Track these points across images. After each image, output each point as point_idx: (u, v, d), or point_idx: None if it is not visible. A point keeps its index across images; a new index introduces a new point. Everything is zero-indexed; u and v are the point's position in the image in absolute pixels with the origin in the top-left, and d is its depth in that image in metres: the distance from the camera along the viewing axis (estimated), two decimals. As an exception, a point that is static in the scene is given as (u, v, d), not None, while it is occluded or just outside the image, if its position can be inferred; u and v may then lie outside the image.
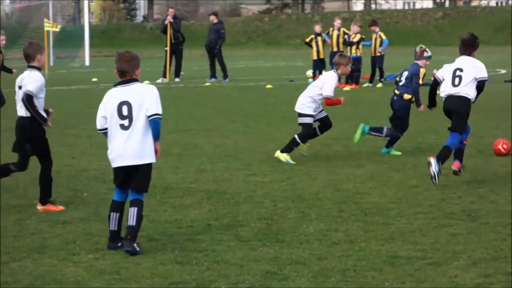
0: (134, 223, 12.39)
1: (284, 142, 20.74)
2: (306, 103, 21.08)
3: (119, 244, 12.51)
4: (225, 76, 46.96)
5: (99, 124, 12.75)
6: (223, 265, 11.45)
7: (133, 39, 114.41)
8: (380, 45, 42.29)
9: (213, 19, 50.22)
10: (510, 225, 13.37)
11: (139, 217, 12.44)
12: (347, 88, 40.13)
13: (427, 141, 22.55)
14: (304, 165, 19.40)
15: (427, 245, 12.29)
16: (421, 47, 21.79)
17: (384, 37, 42.95)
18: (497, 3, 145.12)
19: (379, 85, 41.77)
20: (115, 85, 12.91)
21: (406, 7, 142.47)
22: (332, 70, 21.42)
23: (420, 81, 21.19)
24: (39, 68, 15.42)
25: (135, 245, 12.38)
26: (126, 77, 12.76)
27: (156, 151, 12.73)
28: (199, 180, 17.81)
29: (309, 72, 46.53)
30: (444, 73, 17.65)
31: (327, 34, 43.73)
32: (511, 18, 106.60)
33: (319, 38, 43.40)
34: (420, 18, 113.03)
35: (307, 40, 44.56)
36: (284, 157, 20.09)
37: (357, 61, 41.38)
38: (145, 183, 12.72)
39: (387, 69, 43.75)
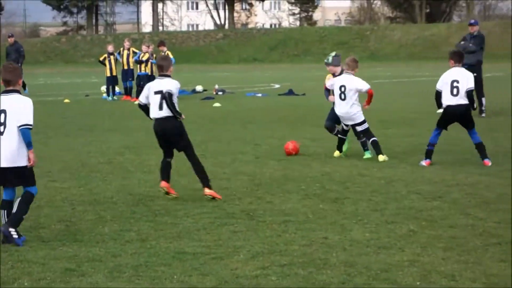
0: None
1: (82, 152, 20.68)
2: (355, 111, 20.95)
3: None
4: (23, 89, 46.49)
5: None
6: (26, 263, 11.29)
7: None
8: (168, 63, 42.42)
9: (12, 40, 49.62)
10: (284, 222, 13.54)
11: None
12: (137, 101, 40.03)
13: (210, 149, 22.68)
14: (99, 172, 19.27)
15: (211, 241, 12.34)
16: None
17: (171, 56, 43.08)
18: (271, 25, 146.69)
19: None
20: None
21: (190, 29, 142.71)
22: (346, 73, 21.07)
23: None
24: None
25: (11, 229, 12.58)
26: (10, 86, 12.89)
27: (29, 159, 12.78)
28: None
29: (103, 88, 46.34)
30: None
31: (119, 53, 43.63)
32: (282, 39, 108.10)
33: (111, 57, 43.26)
34: (202, 39, 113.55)
35: (101, 58, 44.39)
36: (383, 158, 20.39)
37: (145, 77, 41.54)
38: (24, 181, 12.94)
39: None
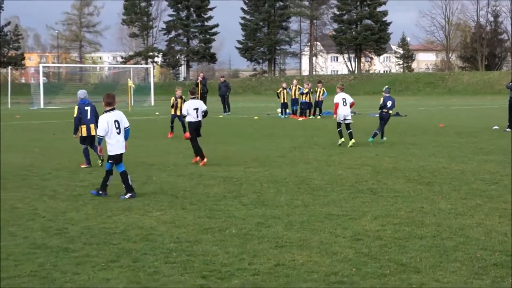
0: None
1: (265, 150, 20.73)
2: (350, 113, 24.12)
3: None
4: (228, 110, 47.08)
5: (103, 131, 13.71)
6: (233, 218, 11.40)
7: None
8: (322, 94, 42.39)
9: (223, 79, 50.34)
10: (394, 197, 13.40)
11: None
12: (300, 119, 40.17)
13: (347, 149, 22.56)
14: (277, 162, 19.22)
15: (348, 208, 12.28)
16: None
17: (325, 90, 43.11)
18: (384, 71, 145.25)
19: (319, 117, 41.73)
20: (105, 112, 13.82)
21: (333, 73, 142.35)
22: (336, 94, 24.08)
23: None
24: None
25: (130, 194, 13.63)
26: (111, 106, 13.85)
27: (126, 146, 14.06)
28: None
29: (279, 110, 46.47)
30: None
31: (289, 88, 43.70)
32: (392, 80, 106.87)
33: (284, 90, 43.38)
34: (341, 79, 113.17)
35: (278, 91, 44.50)
36: (353, 141, 23.38)
37: (306, 104, 41.66)
38: None
39: (324, 108, 43.85)
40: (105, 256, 9.01)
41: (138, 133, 26.70)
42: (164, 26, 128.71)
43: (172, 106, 27.79)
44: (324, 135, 28.53)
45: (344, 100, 23.90)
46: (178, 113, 27.12)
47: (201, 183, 15.52)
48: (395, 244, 9.58)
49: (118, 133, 13.79)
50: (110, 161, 13.86)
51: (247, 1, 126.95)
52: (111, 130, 13.67)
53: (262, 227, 10.76)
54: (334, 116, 24.00)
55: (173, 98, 28.07)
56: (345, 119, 23.82)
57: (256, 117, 42.30)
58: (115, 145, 13.75)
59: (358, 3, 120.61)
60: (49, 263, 8.68)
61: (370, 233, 10.24)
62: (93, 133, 18.35)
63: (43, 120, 41.69)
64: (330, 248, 9.35)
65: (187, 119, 19.16)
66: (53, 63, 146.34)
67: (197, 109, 19.01)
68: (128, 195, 13.52)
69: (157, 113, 48.05)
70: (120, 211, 12.20)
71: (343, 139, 23.75)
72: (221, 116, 44.26)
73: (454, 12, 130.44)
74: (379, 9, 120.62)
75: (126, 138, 13.97)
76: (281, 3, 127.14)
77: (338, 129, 23.95)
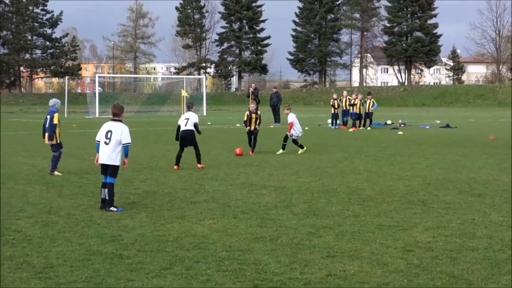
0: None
1: (315, 160, 20.60)
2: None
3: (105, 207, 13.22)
4: (279, 121, 47.02)
5: (98, 137, 13.64)
6: (284, 228, 11.34)
7: (229, 101, 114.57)
8: (372, 106, 42.18)
9: (275, 90, 50.43)
10: (445, 208, 13.20)
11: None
12: (351, 130, 40.02)
13: (397, 160, 22.37)
14: (327, 172, 19.14)
15: (399, 219, 12.13)
16: None
17: (375, 102, 42.95)
18: (434, 83, 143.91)
19: (369, 128, 41.48)
20: (111, 120, 13.70)
21: (383, 85, 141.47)
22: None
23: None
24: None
25: (112, 208, 13.08)
26: (116, 117, 13.61)
27: (124, 163, 13.62)
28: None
29: (329, 120, 46.33)
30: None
31: (340, 100, 43.52)
32: (442, 92, 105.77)
33: (335, 101, 43.25)
34: (391, 91, 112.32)
35: (331, 103, 44.32)
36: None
37: (356, 114, 41.55)
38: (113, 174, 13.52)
39: (374, 119, 43.63)
40: (158, 263, 9.04)
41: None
42: (217, 37, 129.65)
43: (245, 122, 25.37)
44: (374, 145, 28.31)
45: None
46: (252, 128, 25.12)
47: (252, 192, 15.51)
48: (446, 255, 9.43)
49: (106, 144, 13.42)
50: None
51: (298, 14, 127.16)
52: (101, 138, 13.51)
53: (313, 236, 10.69)
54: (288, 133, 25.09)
55: (247, 113, 25.60)
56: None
57: (306, 128, 42.21)
58: (100, 154, 13.52)
59: (408, 15, 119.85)
60: (104, 269, 8.74)
61: (421, 244, 10.10)
62: (46, 141, 19.01)
63: (98, 129, 42.01)
64: (381, 259, 9.24)
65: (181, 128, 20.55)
66: (109, 73, 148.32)
67: (187, 119, 20.36)
68: (113, 208, 13.26)
69: (209, 123, 48.25)
70: (173, 219, 12.24)
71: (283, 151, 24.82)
72: (272, 126, 44.22)
73: (505, 24, 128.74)
74: (429, 21, 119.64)
75: (125, 155, 13.55)
76: (332, 16, 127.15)
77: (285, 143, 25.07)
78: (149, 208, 13.45)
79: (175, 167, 20.07)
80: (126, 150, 13.50)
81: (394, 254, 9.51)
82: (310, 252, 9.67)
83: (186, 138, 20.26)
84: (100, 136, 13.57)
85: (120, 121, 13.63)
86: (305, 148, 25.16)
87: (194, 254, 9.55)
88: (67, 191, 15.79)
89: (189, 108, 21.23)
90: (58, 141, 19.08)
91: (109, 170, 13.45)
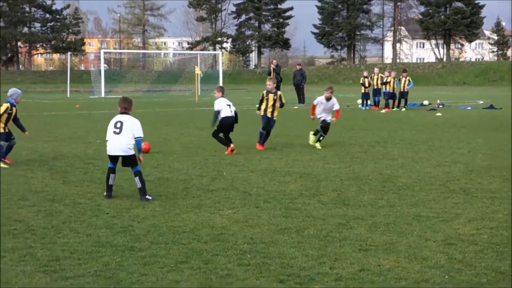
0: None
1: (346, 144, 20.57)
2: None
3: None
4: (303, 101, 46.95)
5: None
6: (312, 218, 11.38)
7: (247, 79, 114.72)
8: (408, 85, 41.90)
9: (299, 67, 50.34)
10: (491, 198, 13.18)
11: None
12: (383, 111, 39.93)
13: (435, 144, 22.31)
14: (359, 158, 19.19)
15: (439, 209, 12.12)
16: None
17: (411, 80, 42.70)
18: (476, 59, 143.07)
19: (403, 109, 41.39)
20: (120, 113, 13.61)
21: (418, 61, 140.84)
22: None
23: None
24: None
25: (147, 196, 13.13)
26: (126, 111, 13.53)
27: (139, 159, 13.45)
28: (294, 166, 17.74)
29: (359, 101, 46.30)
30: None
31: (371, 78, 43.37)
32: (484, 69, 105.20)
33: (366, 80, 43.11)
34: (427, 68, 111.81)
35: (361, 81, 44.15)
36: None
37: (389, 94, 41.42)
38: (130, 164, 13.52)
39: (409, 99, 43.53)
40: (174, 256, 9.10)
41: (206, 124, 26.77)
42: (234, 9, 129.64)
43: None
44: (409, 129, 28.28)
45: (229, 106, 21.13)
46: (262, 112, 22.26)
47: (275, 179, 15.56)
48: (492, 250, 9.43)
49: (116, 133, 13.35)
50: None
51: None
52: (110, 129, 13.51)
53: (343, 228, 10.71)
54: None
55: (263, 92, 22.77)
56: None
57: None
58: (109, 145, 13.50)
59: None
60: (115, 262, 8.81)
61: (463, 237, 10.10)
62: None
63: (104, 110, 42.36)
64: (419, 253, 9.25)
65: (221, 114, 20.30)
66: (115, 48, 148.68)
67: (229, 105, 20.40)
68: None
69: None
70: (189, 208, 12.30)
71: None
72: (295, 107, 44.20)
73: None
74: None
75: (138, 150, 13.50)
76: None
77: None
78: (162, 196, 13.53)
79: (228, 150, 20.33)
80: (139, 145, 13.45)
81: (433, 248, 9.52)
82: (340, 245, 9.69)
83: (230, 126, 20.46)
84: (108, 130, 13.51)
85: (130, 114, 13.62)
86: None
87: (212, 246, 9.60)
88: (72, 177, 15.91)
89: (222, 94, 20.64)
90: (7, 130, 18.34)
91: (126, 163, 13.47)
